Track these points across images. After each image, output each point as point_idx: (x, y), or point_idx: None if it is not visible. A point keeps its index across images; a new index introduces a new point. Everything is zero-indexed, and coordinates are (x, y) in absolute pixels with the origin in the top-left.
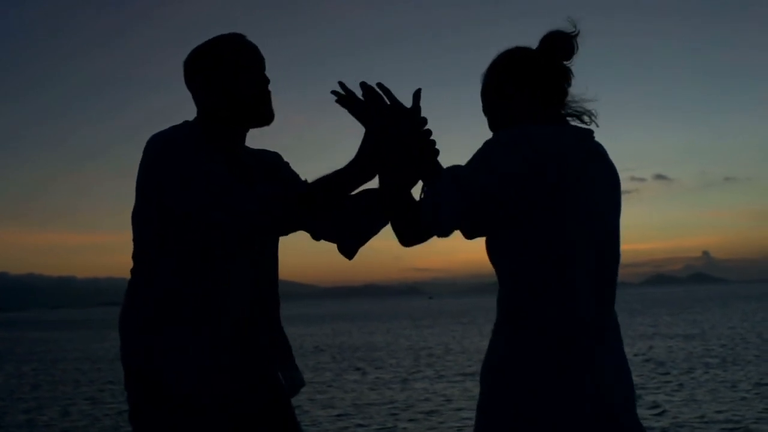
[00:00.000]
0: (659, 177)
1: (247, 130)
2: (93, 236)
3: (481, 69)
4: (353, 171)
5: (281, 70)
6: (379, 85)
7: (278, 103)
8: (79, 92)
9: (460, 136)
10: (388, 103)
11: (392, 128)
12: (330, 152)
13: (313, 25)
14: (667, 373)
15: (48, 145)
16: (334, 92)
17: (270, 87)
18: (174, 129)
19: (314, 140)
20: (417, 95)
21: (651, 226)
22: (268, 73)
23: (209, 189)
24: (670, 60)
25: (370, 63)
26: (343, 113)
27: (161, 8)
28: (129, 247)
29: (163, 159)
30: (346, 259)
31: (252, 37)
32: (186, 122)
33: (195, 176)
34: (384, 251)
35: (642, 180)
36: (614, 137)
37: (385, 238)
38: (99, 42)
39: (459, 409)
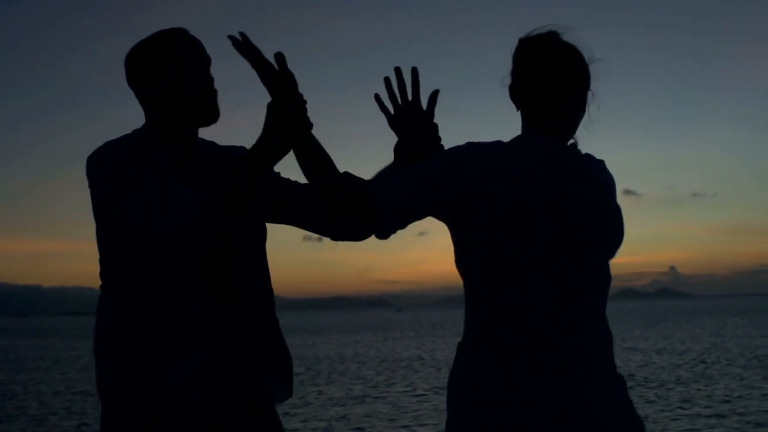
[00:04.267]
0: (627, 192)
1: (196, 128)
2: (60, 244)
3: (477, 74)
4: (260, 150)
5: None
6: (414, 70)
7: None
8: (53, 99)
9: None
10: (410, 97)
11: (403, 124)
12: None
13: (308, 28)
14: (655, 387)
15: (17, 153)
16: (230, 37)
17: (216, 85)
18: (116, 139)
19: None
20: (433, 99)
21: None
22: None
23: (145, 199)
24: (636, 75)
25: (366, 66)
26: (339, 119)
27: (155, 7)
28: (96, 256)
29: (103, 167)
30: (313, 271)
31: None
32: (135, 131)
33: (131, 183)
34: (352, 263)
35: None
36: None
37: (354, 251)
38: (73, 48)
39: (436, 423)
